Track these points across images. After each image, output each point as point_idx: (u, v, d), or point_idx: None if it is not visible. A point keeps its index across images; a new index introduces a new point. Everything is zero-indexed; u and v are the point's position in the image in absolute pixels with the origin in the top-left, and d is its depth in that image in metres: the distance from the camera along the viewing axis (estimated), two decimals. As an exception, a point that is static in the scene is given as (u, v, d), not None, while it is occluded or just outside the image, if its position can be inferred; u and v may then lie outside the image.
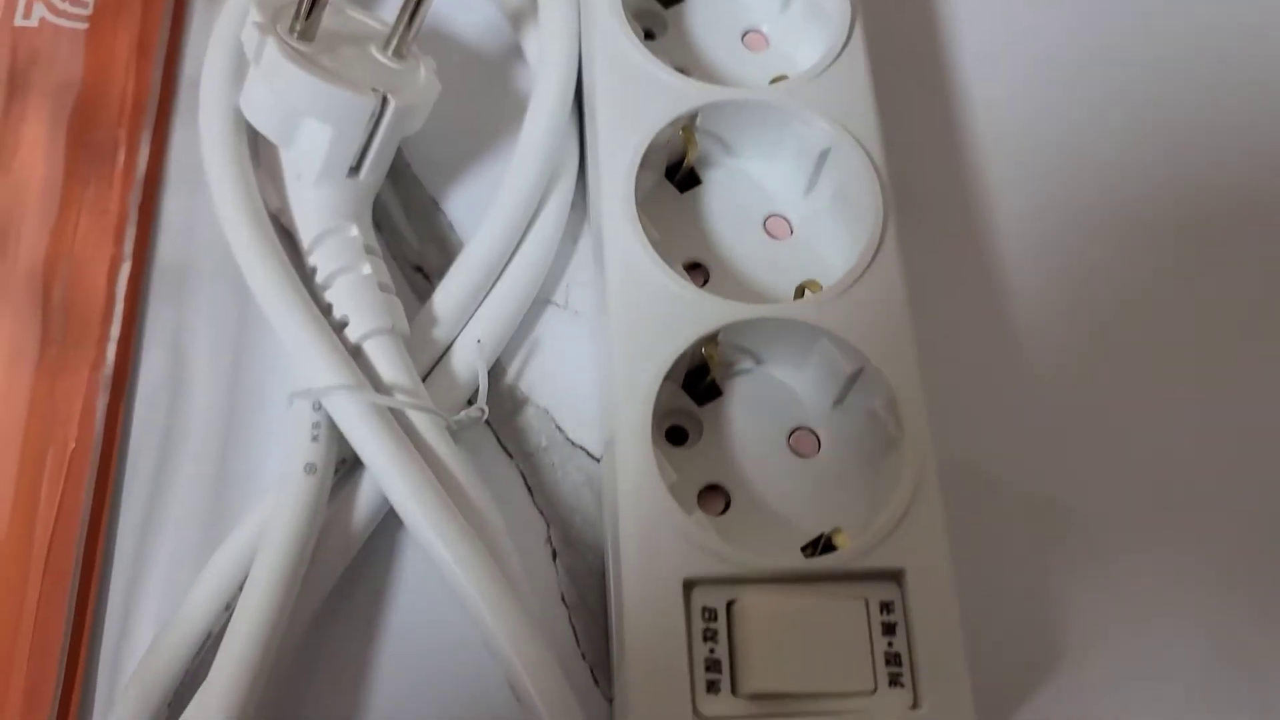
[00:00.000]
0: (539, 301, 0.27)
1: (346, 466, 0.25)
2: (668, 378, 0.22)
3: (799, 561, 0.21)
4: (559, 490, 0.26)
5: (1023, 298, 0.28)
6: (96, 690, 0.23)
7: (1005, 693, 0.24)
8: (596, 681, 0.24)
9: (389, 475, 0.23)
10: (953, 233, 0.28)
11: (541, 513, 0.26)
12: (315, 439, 0.24)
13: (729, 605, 0.21)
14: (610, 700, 0.23)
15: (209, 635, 0.23)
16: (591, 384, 0.26)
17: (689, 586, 0.21)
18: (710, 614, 0.20)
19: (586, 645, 0.24)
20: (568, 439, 0.26)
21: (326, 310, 0.25)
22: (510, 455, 0.26)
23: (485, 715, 0.24)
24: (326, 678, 0.24)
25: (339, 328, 0.25)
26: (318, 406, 0.24)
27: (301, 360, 0.24)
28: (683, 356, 0.22)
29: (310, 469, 0.23)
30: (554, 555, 0.25)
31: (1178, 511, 0.26)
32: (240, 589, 0.23)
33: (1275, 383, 0.28)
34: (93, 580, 0.24)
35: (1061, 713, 0.24)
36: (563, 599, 0.25)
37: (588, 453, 0.26)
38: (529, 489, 0.26)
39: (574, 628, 0.25)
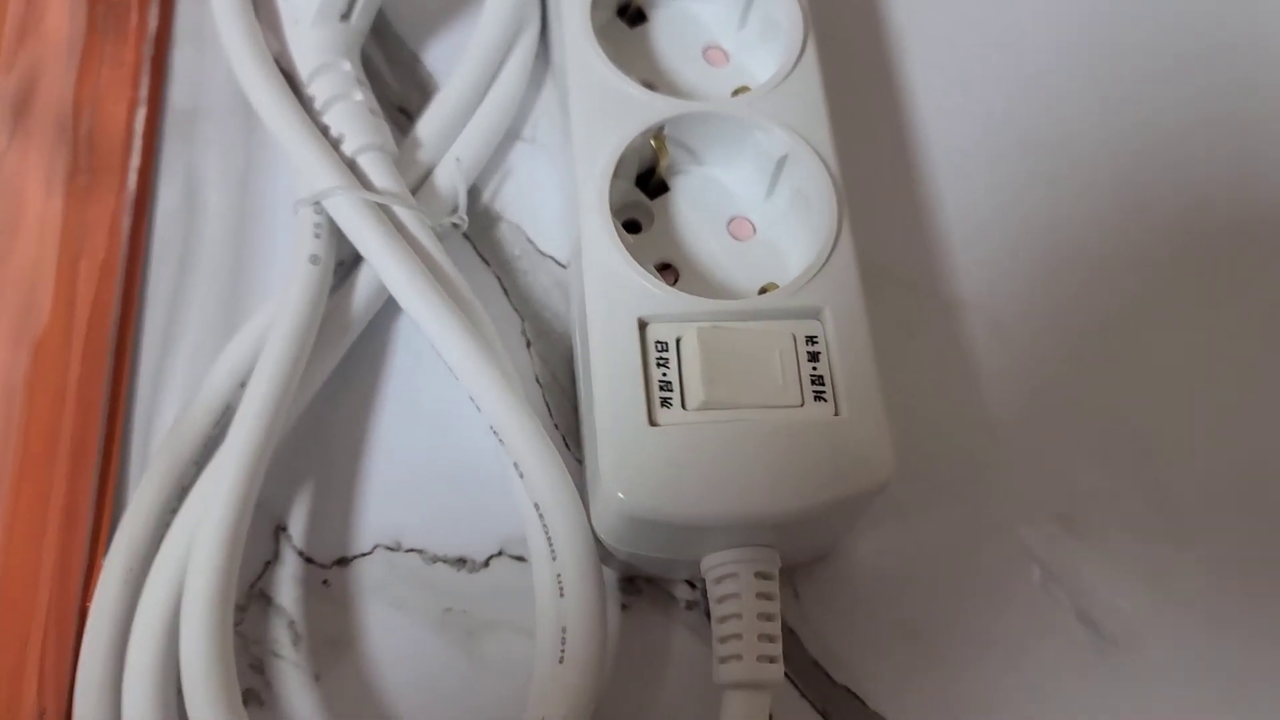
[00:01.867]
0: (511, 136, 0.31)
1: (345, 268, 0.28)
2: (621, 174, 0.26)
3: (736, 303, 0.25)
4: (531, 292, 0.29)
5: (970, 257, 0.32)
6: (131, 455, 0.27)
7: (918, 429, 0.28)
8: (568, 446, 0.28)
9: (384, 262, 0.27)
10: (905, 229, 0.31)
11: (517, 310, 0.29)
12: (318, 236, 0.27)
13: (678, 340, 0.24)
14: (580, 460, 0.27)
15: (227, 408, 0.26)
16: (557, 205, 0.30)
17: (643, 325, 0.24)
18: (662, 346, 0.24)
19: (559, 417, 0.28)
20: (537, 250, 0.30)
21: (324, 130, 0.28)
22: (487, 263, 0.30)
23: (472, 462, 0.27)
24: (332, 442, 0.27)
25: (335, 144, 0.28)
26: (319, 210, 0.27)
27: (304, 170, 0.28)
28: (634, 148, 0.26)
29: (314, 260, 0.27)
30: (528, 344, 0.29)
31: (1079, 313, 0.30)
32: (254, 367, 0.26)
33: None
34: (124, 364, 0.27)
35: (965, 444, 0.28)
36: (537, 380, 0.28)
37: (556, 261, 0.30)
38: (505, 291, 0.29)
39: (547, 403, 0.28)
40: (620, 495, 0.23)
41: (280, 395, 0.25)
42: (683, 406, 0.24)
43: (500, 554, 0.27)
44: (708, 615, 0.26)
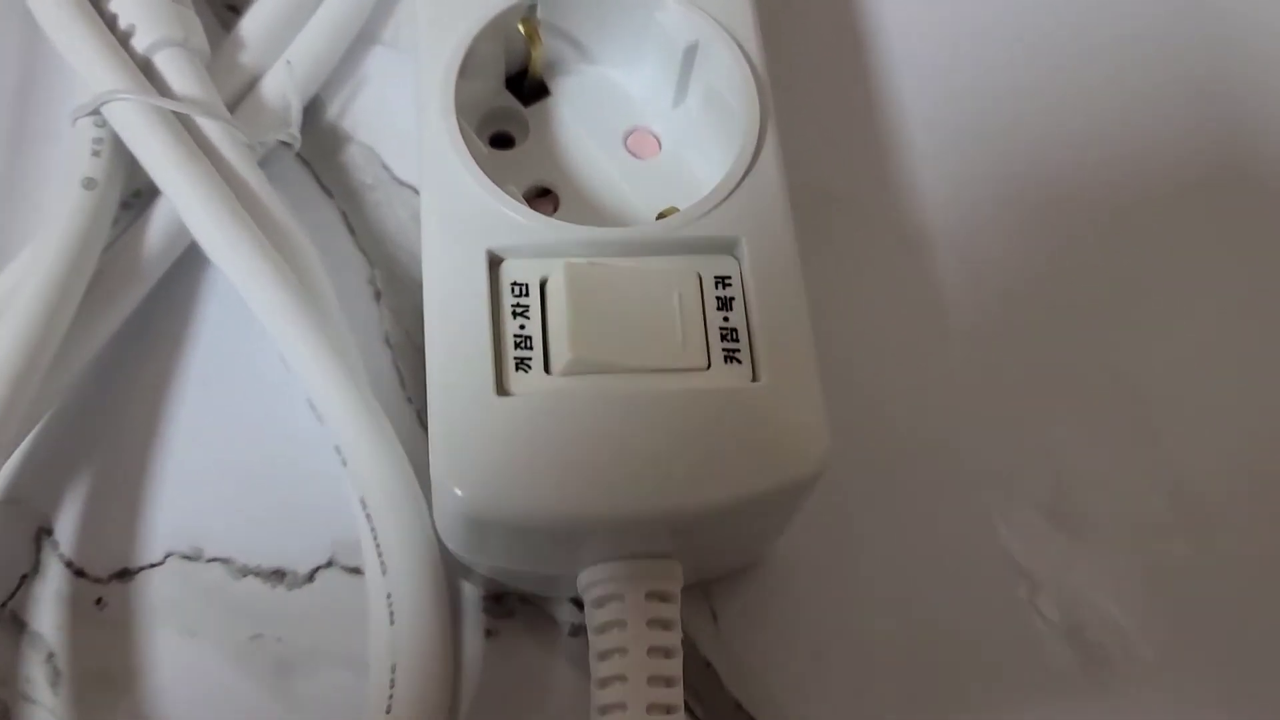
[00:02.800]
0: (366, 39, 0.25)
1: (142, 202, 0.22)
2: (481, 70, 0.20)
3: (621, 231, 0.19)
4: (384, 229, 0.23)
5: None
6: None
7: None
8: (423, 424, 0.21)
9: (175, 185, 0.20)
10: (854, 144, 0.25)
11: (365, 253, 0.23)
12: (96, 154, 0.21)
13: (542, 282, 0.18)
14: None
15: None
16: (422, 122, 0.24)
17: (495, 261, 0.18)
18: (521, 289, 0.18)
19: (413, 389, 0.22)
20: (394, 177, 0.24)
21: (111, 21, 0.22)
22: (330, 195, 0.24)
23: (298, 450, 0.21)
24: (117, 422, 0.21)
25: (125, 39, 0.22)
26: (100, 121, 0.21)
27: (82, 70, 0.21)
28: (495, 32, 0.20)
29: (89, 184, 0.21)
30: (377, 295, 0.23)
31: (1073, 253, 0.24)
32: None
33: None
34: None
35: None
36: (386, 340, 0.22)
37: (416, 190, 0.24)
38: (350, 229, 0.23)
39: (399, 370, 0.22)
40: (456, 491, 0.17)
41: (34, 349, 0.19)
42: (545, 370, 0.17)
43: (330, 564, 0.21)
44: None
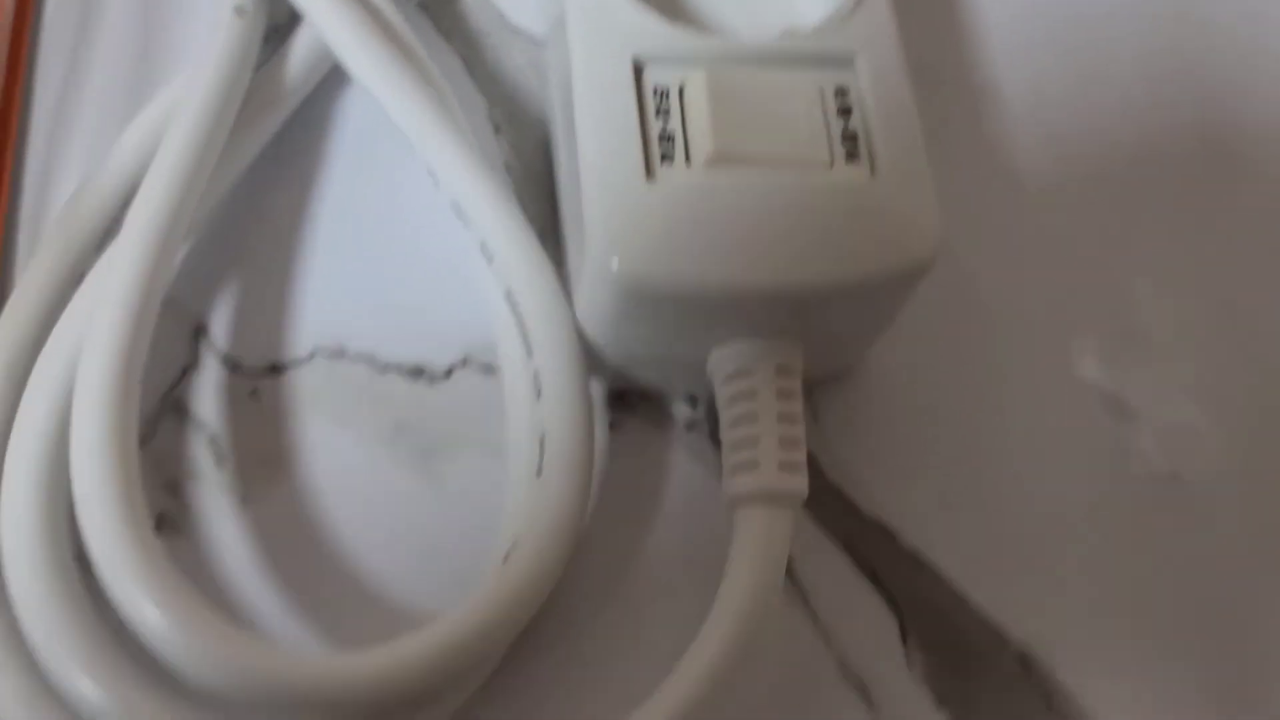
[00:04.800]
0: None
1: (280, 35, 0.24)
2: None
3: (752, 45, 0.20)
4: (501, 71, 0.25)
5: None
6: (19, 239, 0.22)
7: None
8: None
9: (329, 17, 0.22)
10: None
11: (482, 93, 0.25)
12: (245, -15, 0.23)
13: (681, 87, 0.20)
14: (559, 263, 0.23)
15: (135, 187, 0.22)
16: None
17: (639, 67, 0.20)
18: (662, 93, 0.20)
19: (533, 213, 0.24)
20: (509, 24, 0.26)
21: None
22: (449, 40, 0.25)
23: (433, 255, 0.23)
24: (264, 230, 0.23)
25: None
26: (245, -43, 0.23)
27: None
28: None
29: (240, 10, 0.22)
30: (496, 129, 0.24)
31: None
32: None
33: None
34: (9, 131, 0.23)
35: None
36: (506, 167, 0.24)
37: (529, 38, 0.25)
38: (469, 72, 0.25)
39: (518, 195, 0.24)
40: (614, 262, 0.18)
41: (193, 168, 0.21)
42: (686, 163, 0.19)
43: (465, 363, 0.22)
44: (713, 437, 0.22)
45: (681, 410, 0.22)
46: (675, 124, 0.20)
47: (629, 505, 0.21)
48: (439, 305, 0.23)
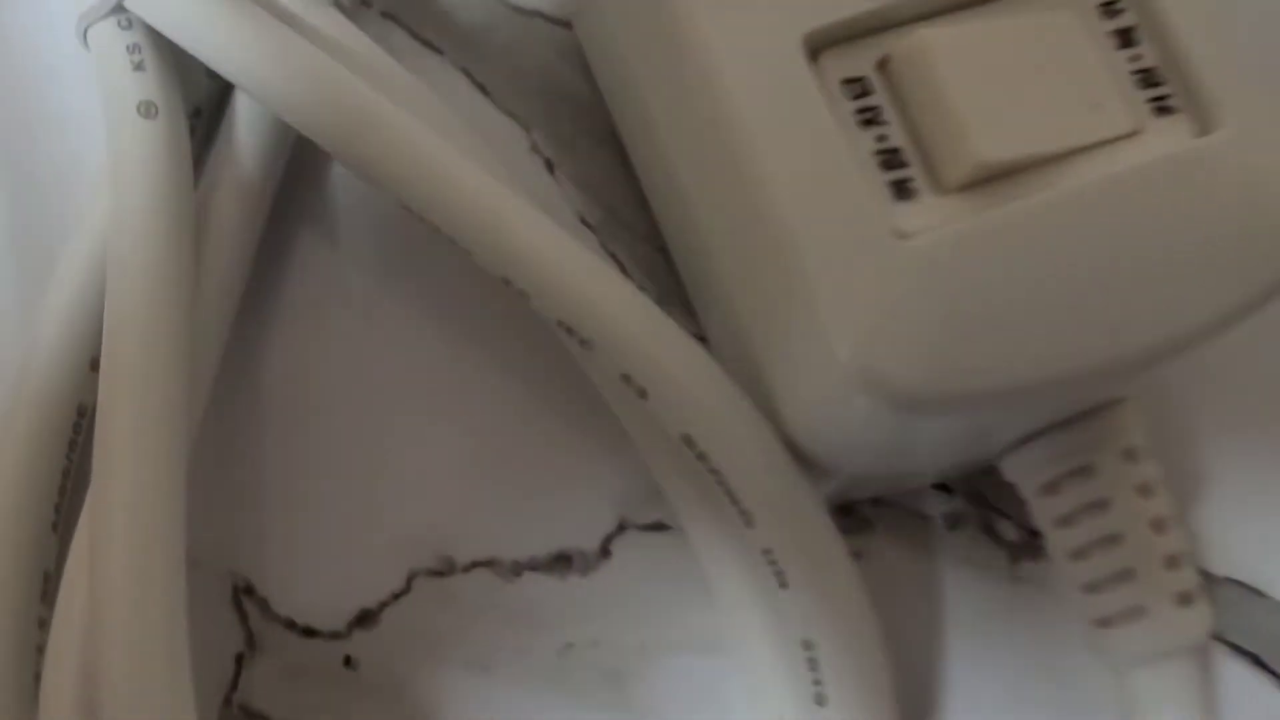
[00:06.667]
0: None
1: (205, 119, 0.16)
2: None
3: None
4: (525, 76, 0.17)
5: None
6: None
7: None
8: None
9: (262, 74, 0.14)
10: None
11: (511, 115, 0.17)
12: (139, 67, 0.15)
13: (881, 64, 0.13)
14: (701, 338, 0.15)
15: (80, 412, 0.14)
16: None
17: (814, 50, 0.12)
18: (857, 86, 0.12)
19: (640, 275, 0.16)
20: (514, 7, 0.18)
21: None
22: (439, 51, 0.17)
23: (522, 402, 0.16)
24: (289, 407, 0.16)
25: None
26: (125, 22, 0.15)
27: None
28: None
29: (148, 110, 0.14)
30: (549, 166, 0.17)
31: None
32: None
33: None
34: None
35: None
36: (582, 220, 0.17)
37: (546, 18, 0.18)
38: (481, 88, 0.17)
39: (613, 256, 0.16)
40: (882, 372, 0.12)
41: (172, 352, 0.14)
42: (935, 190, 0.12)
43: (622, 529, 0.15)
44: (986, 529, 0.15)
45: (933, 503, 0.16)
46: (897, 133, 0.12)
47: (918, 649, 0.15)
48: (560, 464, 0.15)
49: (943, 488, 0.16)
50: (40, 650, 0.14)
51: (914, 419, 0.12)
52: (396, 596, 0.15)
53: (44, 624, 0.14)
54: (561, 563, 0.15)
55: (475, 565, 0.15)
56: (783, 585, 0.13)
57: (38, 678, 0.14)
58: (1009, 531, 0.16)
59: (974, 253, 0.12)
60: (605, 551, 0.15)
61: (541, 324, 0.15)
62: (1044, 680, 0.15)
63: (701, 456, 0.14)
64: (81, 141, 0.16)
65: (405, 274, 0.16)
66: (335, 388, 0.16)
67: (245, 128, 0.15)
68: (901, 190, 0.12)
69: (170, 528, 0.13)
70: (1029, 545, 0.16)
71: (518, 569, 0.15)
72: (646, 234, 0.16)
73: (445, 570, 0.15)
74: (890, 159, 0.12)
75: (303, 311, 0.16)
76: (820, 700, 0.13)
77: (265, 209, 0.15)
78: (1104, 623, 0.13)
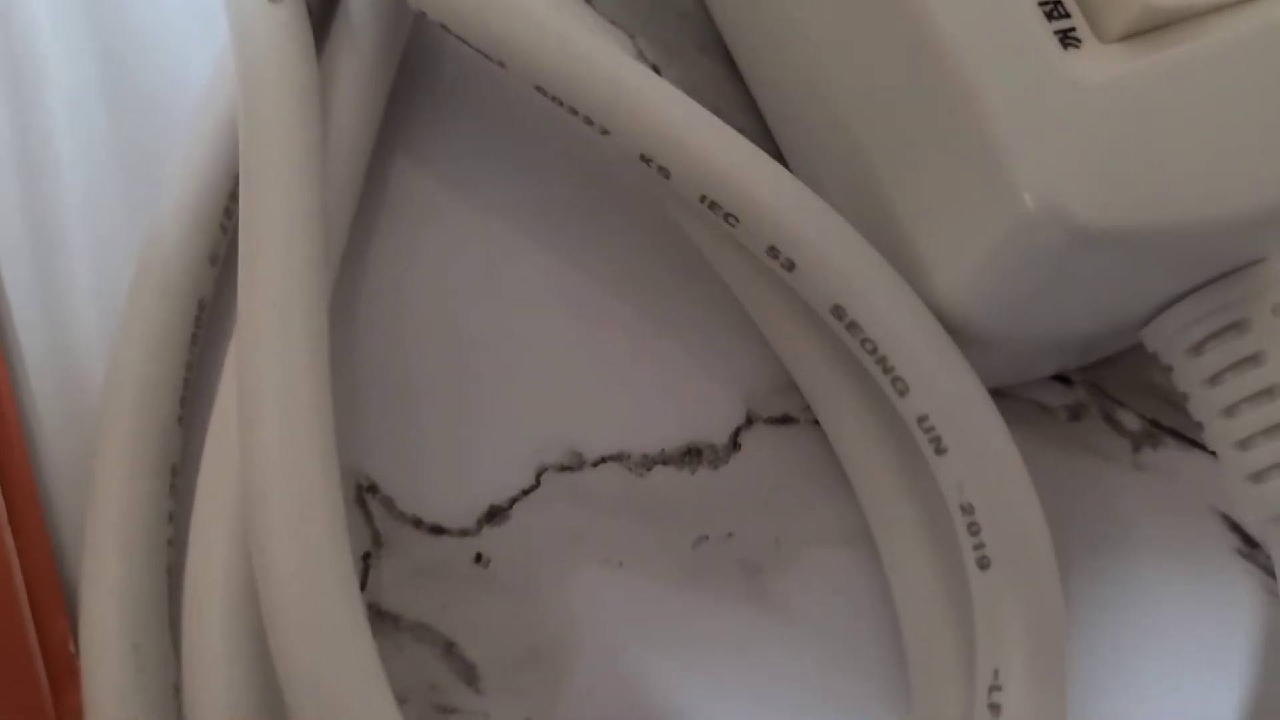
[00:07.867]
0: None
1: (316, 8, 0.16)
2: None
3: None
4: (627, -10, 0.17)
5: None
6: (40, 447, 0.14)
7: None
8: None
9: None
10: None
11: (615, 21, 0.17)
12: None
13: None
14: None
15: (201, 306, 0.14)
16: None
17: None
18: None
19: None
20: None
21: None
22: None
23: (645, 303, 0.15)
24: (416, 303, 0.15)
25: None
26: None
27: None
28: None
29: (270, -7, 0.14)
30: (655, 71, 0.17)
31: None
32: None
33: None
34: None
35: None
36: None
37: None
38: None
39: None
40: (1063, 210, 0.11)
41: (311, 240, 0.13)
42: (1097, 38, 0.12)
43: (750, 423, 0.15)
44: (1107, 419, 0.15)
45: (1054, 395, 0.16)
46: (1054, -12, 0.12)
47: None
48: (692, 358, 0.15)
49: (1062, 380, 0.16)
50: (170, 543, 0.13)
51: (1092, 258, 0.12)
52: (526, 493, 0.15)
53: (172, 517, 0.13)
54: (691, 456, 0.15)
55: (605, 460, 0.15)
56: (939, 451, 0.13)
57: (169, 570, 0.13)
58: (1130, 421, 0.16)
59: (1150, 94, 0.12)
60: (735, 444, 0.15)
61: (667, 223, 0.15)
62: (1169, 566, 0.15)
63: (852, 326, 0.13)
64: (189, 50, 0.16)
65: (528, 169, 0.16)
66: (457, 285, 0.15)
67: (361, 13, 0.15)
68: (1067, 39, 0.12)
69: (318, 396, 0.12)
70: (1150, 434, 0.16)
71: (648, 463, 0.15)
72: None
73: (575, 465, 0.15)
74: (1053, 9, 0.12)
75: (422, 207, 0.16)
76: (983, 564, 0.13)
77: (383, 98, 0.15)
78: (1258, 478, 0.13)
